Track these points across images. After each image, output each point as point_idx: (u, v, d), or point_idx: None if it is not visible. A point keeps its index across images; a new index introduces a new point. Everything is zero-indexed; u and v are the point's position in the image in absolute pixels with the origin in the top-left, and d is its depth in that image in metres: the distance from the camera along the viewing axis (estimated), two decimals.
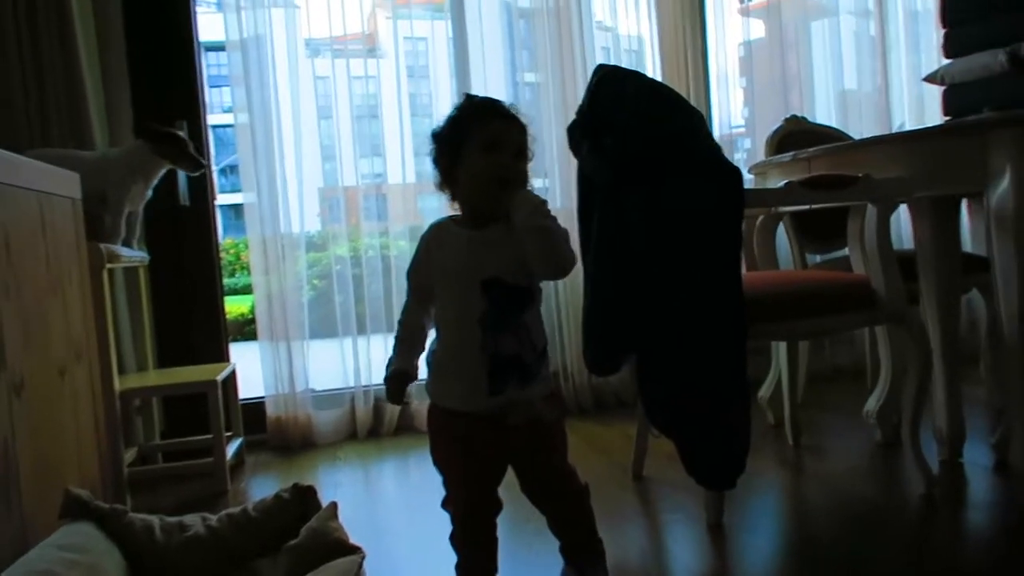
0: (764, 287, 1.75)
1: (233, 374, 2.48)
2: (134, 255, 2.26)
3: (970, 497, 1.79)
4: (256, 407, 2.69)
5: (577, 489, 1.35)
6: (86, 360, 1.73)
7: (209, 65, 2.76)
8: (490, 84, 2.86)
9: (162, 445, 2.48)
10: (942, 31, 2.85)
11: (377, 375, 2.76)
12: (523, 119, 1.27)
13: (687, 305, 1.57)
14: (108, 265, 2.00)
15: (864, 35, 3.36)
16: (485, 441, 1.25)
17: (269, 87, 2.63)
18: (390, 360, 1.32)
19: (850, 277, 1.81)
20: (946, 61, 2.83)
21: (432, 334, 1.32)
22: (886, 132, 3.33)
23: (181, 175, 2.55)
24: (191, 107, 2.63)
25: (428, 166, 3.06)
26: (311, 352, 2.73)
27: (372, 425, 2.76)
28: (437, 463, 1.31)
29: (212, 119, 2.81)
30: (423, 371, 1.33)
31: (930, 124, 2.92)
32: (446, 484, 1.32)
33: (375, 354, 2.77)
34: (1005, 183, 1.56)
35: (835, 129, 2.83)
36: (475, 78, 2.86)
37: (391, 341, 2.69)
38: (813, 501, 1.86)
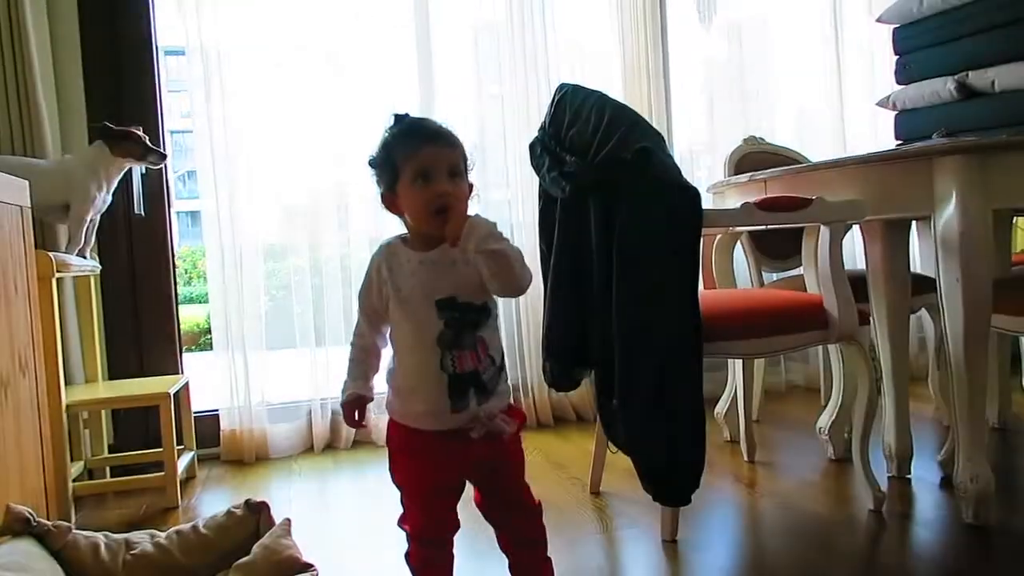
0: (718, 306, 1.77)
1: (186, 387, 2.43)
2: (85, 264, 2.21)
3: (917, 513, 1.84)
4: (210, 420, 2.64)
5: (533, 504, 1.34)
6: (31, 373, 1.68)
7: (168, 70, 2.71)
8: (454, 95, 2.87)
9: (110, 459, 2.42)
10: (895, 58, 2.95)
11: (335, 388, 2.72)
12: (454, 136, 1.23)
13: (644, 321, 1.59)
14: (58, 274, 1.95)
15: (821, 59, 3.45)
16: (447, 457, 1.24)
17: (229, 94, 2.60)
18: (345, 384, 1.31)
19: (803, 297, 1.85)
20: (898, 87, 2.93)
21: (389, 354, 1.30)
22: (841, 153, 3.42)
23: (136, 183, 2.50)
24: (148, 113, 2.58)
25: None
26: (268, 364, 2.69)
27: (329, 439, 2.72)
28: (396, 480, 1.30)
29: (170, 124, 2.75)
30: (380, 389, 1.31)
31: (883, 147, 3.00)
32: (404, 502, 1.31)
33: (333, 366, 2.74)
34: (950, 209, 1.61)
35: (791, 150, 2.89)
36: (439, 88, 2.86)
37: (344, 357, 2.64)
38: (766, 517, 1.89)
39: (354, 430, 2.71)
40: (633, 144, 1.58)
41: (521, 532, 1.34)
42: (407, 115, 1.27)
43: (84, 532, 1.41)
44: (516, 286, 1.20)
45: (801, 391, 3.22)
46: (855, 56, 3.45)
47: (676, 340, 1.57)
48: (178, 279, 2.73)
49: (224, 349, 2.62)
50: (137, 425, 2.55)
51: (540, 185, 1.92)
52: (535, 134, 1.92)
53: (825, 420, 2.22)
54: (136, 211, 2.50)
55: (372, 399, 1.30)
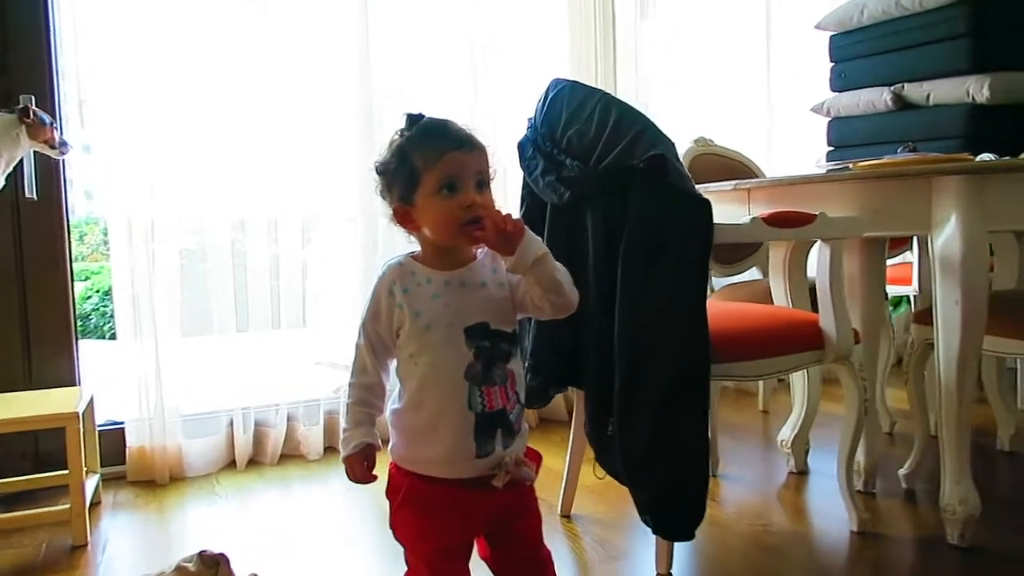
0: (717, 324, 1.68)
1: (91, 402, 2.08)
2: None
3: (892, 530, 1.82)
4: (114, 435, 2.30)
5: (546, 556, 1.21)
6: None
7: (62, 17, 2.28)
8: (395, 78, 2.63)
9: None
10: (830, 65, 2.98)
11: (259, 395, 2.45)
12: (479, 140, 1.07)
13: (652, 341, 1.47)
14: None
15: (753, 63, 3.47)
16: (465, 510, 1.09)
17: (126, 49, 2.23)
18: (347, 434, 1.10)
19: (799, 316, 1.79)
20: (832, 94, 2.97)
21: (394, 392, 1.12)
22: (770, 156, 3.45)
23: (27, 164, 2.11)
24: (38, 74, 2.19)
25: (322, 151, 2.69)
26: (181, 369, 2.37)
27: (252, 453, 2.44)
28: (400, 538, 1.13)
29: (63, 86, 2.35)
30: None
31: (813, 153, 3.06)
32: (409, 560, 1.14)
33: (257, 367, 2.50)
34: (950, 230, 1.58)
35: (739, 153, 2.87)
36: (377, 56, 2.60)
37: (271, 354, 2.34)
38: (742, 534, 1.82)
39: (281, 443, 2.45)
40: (646, 149, 1.45)
41: None
42: (422, 115, 1.09)
43: None
44: (570, 302, 1.08)
45: (731, 392, 3.20)
46: (787, 61, 3.50)
47: (686, 361, 1.46)
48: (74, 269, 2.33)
49: (133, 338, 2.27)
50: (22, 443, 2.18)
51: (524, 187, 1.76)
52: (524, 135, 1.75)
53: (787, 433, 2.20)
54: (28, 194, 2.11)
55: (380, 447, 1.11)
